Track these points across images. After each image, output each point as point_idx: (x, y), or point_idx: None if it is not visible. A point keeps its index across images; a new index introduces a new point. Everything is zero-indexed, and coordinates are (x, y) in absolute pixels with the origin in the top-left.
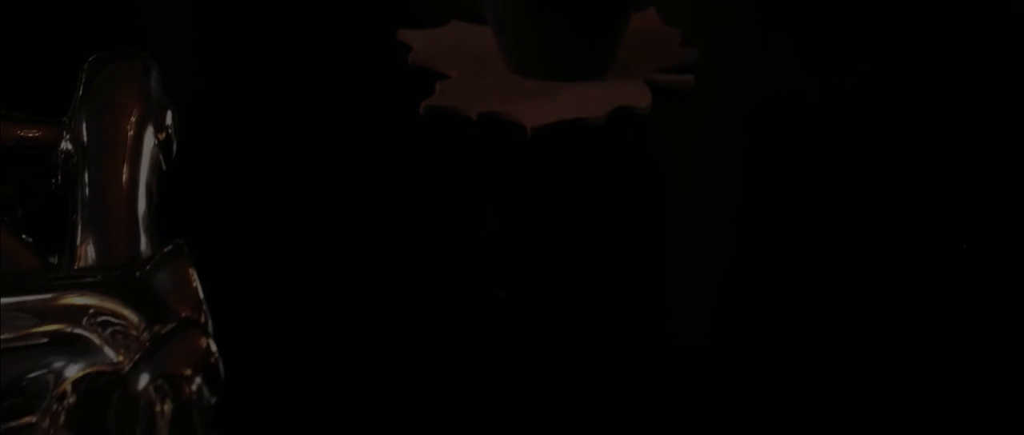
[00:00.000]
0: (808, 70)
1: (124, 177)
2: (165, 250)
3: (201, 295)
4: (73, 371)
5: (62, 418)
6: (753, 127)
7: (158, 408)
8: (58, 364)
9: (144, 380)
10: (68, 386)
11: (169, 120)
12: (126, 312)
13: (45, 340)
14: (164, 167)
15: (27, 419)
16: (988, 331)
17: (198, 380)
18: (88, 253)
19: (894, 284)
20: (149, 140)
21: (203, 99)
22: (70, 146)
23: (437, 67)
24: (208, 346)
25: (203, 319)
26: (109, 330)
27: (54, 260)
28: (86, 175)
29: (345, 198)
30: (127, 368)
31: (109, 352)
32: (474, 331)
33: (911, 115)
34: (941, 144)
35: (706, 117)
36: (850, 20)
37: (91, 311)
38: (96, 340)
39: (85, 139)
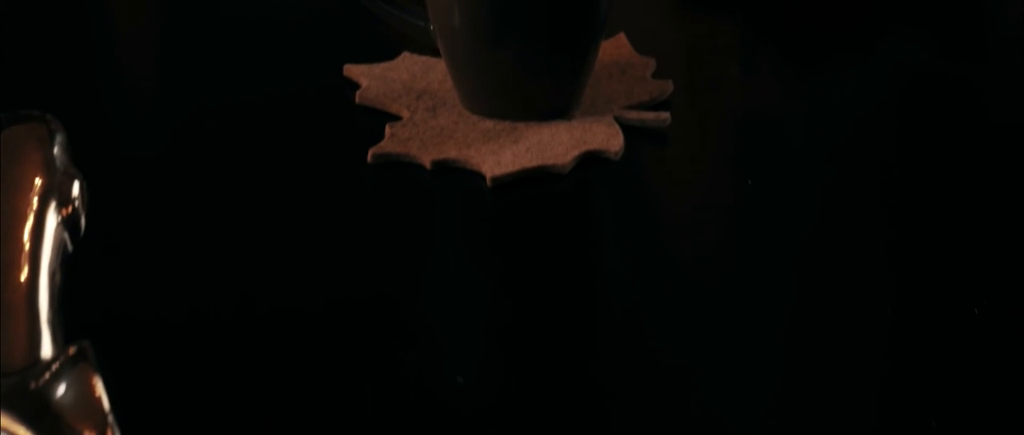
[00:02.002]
0: (796, 97)
1: (23, 264)
2: (68, 354)
3: (107, 410)
4: None
5: None
6: (738, 170)
7: None
8: None
9: None
10: None
11: (76, 191)
12: (20, 431)
13: None
14: (70, 247)
15: None
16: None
17: None
18: None
19: (897, 336)
20: (52, 218)
21: (134, 146)
22: None
23: (386, 107)
24: None
25: None
26: None
27: None
28: None
29: (286, 257)
30: None
31: None
32: (427, 415)
33: (908, 145)
34: (939, 173)
35: (685, 160)
36: (836, 37)
37: None
38: None
39: None
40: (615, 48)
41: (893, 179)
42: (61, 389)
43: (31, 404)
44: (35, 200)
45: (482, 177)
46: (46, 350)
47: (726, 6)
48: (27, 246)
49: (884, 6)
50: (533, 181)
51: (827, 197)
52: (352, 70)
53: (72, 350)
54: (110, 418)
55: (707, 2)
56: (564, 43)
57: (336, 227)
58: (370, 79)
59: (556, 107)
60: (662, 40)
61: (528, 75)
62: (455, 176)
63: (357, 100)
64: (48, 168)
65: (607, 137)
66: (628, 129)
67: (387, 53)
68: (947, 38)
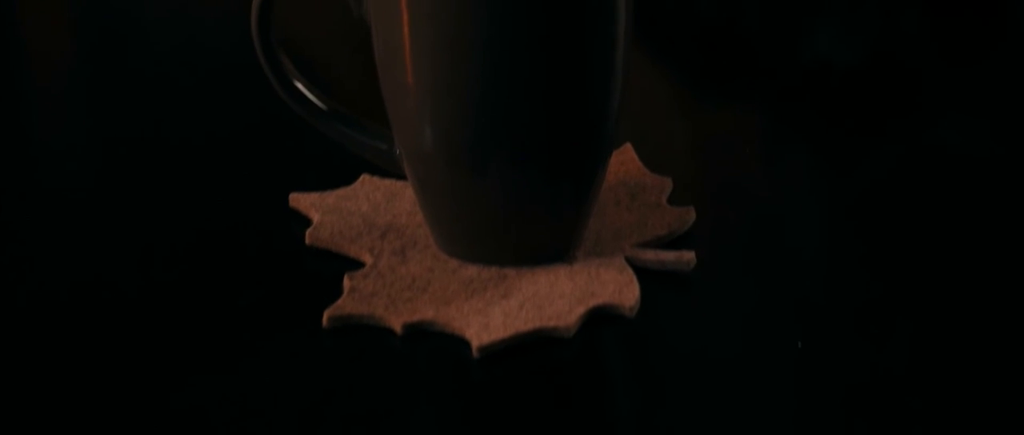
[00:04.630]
0: (837, 210)
1: None
2: None
3: None
4: None
5: None
6: (782, 323)
7: None
8: None
9: None
10: None
11: None
12: None
13: None
14: None
15: None
16: None
17: None
18: None
19: None
20: None
21: (48, 306)
22: None
23: (343, 249)
24: None
25: None
26: None
27: None
28: None
29: None
30: None
31: None
32: None
33: (975, 269)
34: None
35: (716, 313)
36: (877, 128)
37: None
38: None
39: None
40: (621, 164)
41: (960, 324)
42: None
43: None
44: None
45: (466, 344)
46: None
47: (743, 94)
48: None
49: (932, 89)
50: (530, 347)
51: (891, 350)
52: (300, 200)
53: None
54: None
55: (721, 90)
56: (564, 166)
57: (284, 409)
58: (322, 212)
59: (554, 248)
60: (675, 146)
61: (519, 209)
62: (432, 343)
63: (307, 241)
64: None
65: (619, 287)
66: (644, 272)
67: (342, 176)
68: (1007, 129)
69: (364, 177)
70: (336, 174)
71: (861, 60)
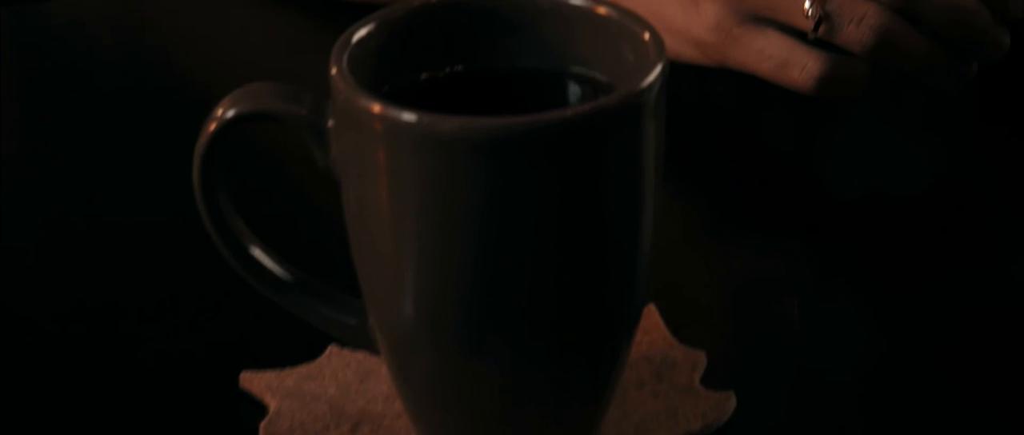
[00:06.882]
0: (906, 391)
1: None
2: None
3: None
4: None
5: None
6: None
7: None
8: None
9: None
10: None
11: None
12: None
13: None
14: None
15: None
16: None
17: None
18: None
19: None
20: None
21: None
22: None
23: None
24: None
25: None
26: None
27: None
28: None
29: None
30: None
31: None
32: None
33: None
34: None
35: None
36: (941, 279)
37: None
38: None
39: None
40: (644, 333)
41: None
42: None
43: None
44: None
45: None
46: None
47: (780, 234)
48: None
49: (998, 222)
50: None
51: None
52: (253, 381)
53: None
54: None
55: (755, 230)
56: (578, 349)
57: None
58: (280, 397)
59: None
60: (705, 306)
61: (522, 401)
62: None
63: (262, 433)
64: None
65: None
66: None
67: (304, 347)
68: None
69: (331, 350)
70: (297, 345)
71: (907, 183)
